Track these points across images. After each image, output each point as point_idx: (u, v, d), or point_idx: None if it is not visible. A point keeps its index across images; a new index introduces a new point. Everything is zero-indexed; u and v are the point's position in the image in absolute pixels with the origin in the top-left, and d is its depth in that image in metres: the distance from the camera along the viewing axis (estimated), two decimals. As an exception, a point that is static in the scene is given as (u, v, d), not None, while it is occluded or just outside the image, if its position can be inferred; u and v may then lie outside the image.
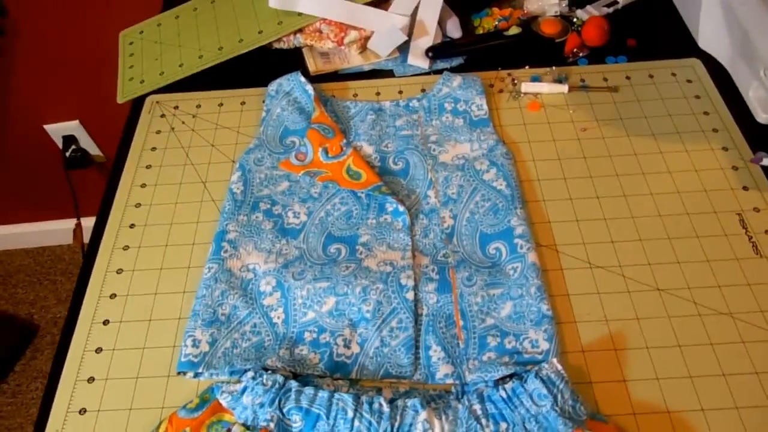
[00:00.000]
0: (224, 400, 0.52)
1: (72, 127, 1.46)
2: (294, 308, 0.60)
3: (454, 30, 0.87)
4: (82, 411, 0.57)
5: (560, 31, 0.84)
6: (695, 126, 0.74)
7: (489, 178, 0.68)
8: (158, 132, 0.80)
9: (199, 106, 0.83)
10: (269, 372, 0.53)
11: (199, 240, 0.68)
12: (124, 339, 0.61)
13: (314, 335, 0.59)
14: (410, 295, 0.60)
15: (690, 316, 0.59)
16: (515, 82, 0.81)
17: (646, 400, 0.54)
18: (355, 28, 0.84)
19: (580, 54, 0.83)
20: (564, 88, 0.79)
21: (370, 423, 0.50)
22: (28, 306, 1.72)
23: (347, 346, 0.58)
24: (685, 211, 0.67)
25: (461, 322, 0.58)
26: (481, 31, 0.88)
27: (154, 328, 0.62)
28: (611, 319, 0.59)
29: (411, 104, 0.78)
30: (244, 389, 0.52)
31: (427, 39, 0.84)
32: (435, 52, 0.84)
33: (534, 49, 0.84)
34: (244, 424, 0.51)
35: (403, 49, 0.85)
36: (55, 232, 1.77)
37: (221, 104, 0.82)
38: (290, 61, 0.86)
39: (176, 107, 0.83)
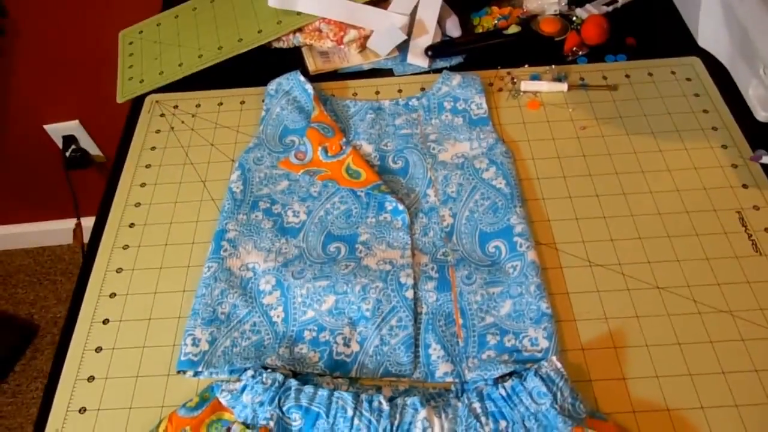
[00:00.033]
0: (224, 399, 0.52)
1: (72, 127, 1.46)
2: (294, 307, 0.60)
3: (454, 29, 0.87)
4: (82, 410, 0.57)
5: (560, 30, 0.84)
6: (695, 124, 0.74)
7: (488, 177, 0.68)
8: (158, 131, 0.80)
9: (198, 106, 0.83)
10: (269, 370, 0.53)
11: (198, 239, 0.68)
12: (123, 338, 0.61)
13: (314, 334, 0.59)
14: (410, 294, 0.60)
15: (689, 314, 0.59)
16: (515, 80, 0.81)
17: (645, 398, 0.54)
18: (354, 27, 0.84)
19: (580, 52, 0.83)
20: (563, 86, 0.79)
21: (369, 421, 0.50)
22: (28, 306, 1.72)
23: (347, 345, 0.58)
24: (684, 209, 0.67)
25: (461, 321, 0.58)
26: (480, 30, 0.88)
27: (153, 327, 0.62)
28: (611, 317, 0.59)
29: (410, 103, 0.78)
30: (244, 388, 0.52)
31: (426, 38, 0.84)
32: (434, 51, 0.84)
33: (533, 47, 0.84)
34: (243, 423, 0.51)
35: (403, 48, 0.85)
36: (55, 232, 1.77)
37: (221, 103, 0.83)
38: (290, 60, 0.86)
39: (176, 107, 0.83)
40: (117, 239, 0.69)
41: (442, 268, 0.62)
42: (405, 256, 0.63)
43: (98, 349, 0.60)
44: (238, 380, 0.53)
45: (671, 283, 0.61)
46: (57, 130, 1.46)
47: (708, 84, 0.78)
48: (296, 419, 0.51)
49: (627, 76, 0.80)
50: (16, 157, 1.53)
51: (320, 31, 0.86)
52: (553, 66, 0.82)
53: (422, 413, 0.50)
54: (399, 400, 0.51)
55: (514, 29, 0.84)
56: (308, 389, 0.51)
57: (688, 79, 0.79)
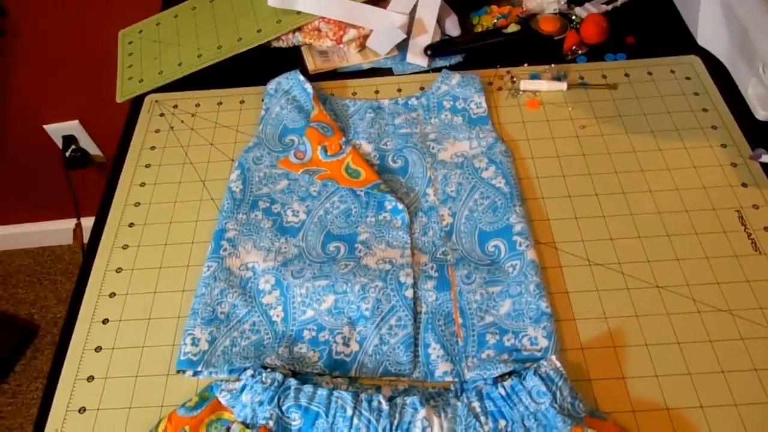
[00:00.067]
0: (223, 399, 0.52)
1: (72, 127, 1.46)
2: (293, 306, 0.60)
3: (453, 28, 0.87)
4: (82, 410, 0.57)
5: (559, 29, 0.84)
6: (694, 123, 0.74)
7: (488, 176, 0.68)
8: (157, 131, 0.80)
9: (198, 105, 0.83)
10: (268, 370, 0.53)
11: (198, 239, 0.68)
12: (123, 338, 0.61)
13: (313, 333, 0.59)
14: (409, 293, 0.60)
15: (689, 313, 0.59)
16: (514, 79, 0.81)
17: (645, 397, 0.54)
18: (353, 26, 0.84)
19: (579, 51, 0.83)
20: (563, 85, 0.79)
21: (369, 421, 0.50)
22: (28, 306, 1.73)
23: (346, 344, 0.58)
24: (684, 208, 0.67)
25: (460, 320, 0.58)
26: (479, 29, 0.88)
27: (153, 327, 0.62)
28: (610, 317, 0.59)
29: (410, 102, 0.78)
30: (243, 387, 0.52)
31: (425, 37, 0.84)
32: (434, 50, 0.84)
33: (533, 46, 0.84)
34: (243, 422, 0.51)
35: (402, 47, 0.85)
36: (55, 232, 1.77)
37: (220, 103, 0.82)
38: (289, 59, 0.86)
39: (175, 106, 0.83)
40: (117, 239, 0.69)
41: (442, 268, 0.62)
42: (404, 255, 0.63)
43: (98, 349, 0.61)
44: (238, 380, 0.53)
45: (671, 282, 0.61)
46: (57, 130, 1.46)
47: (707, 83, 0.78)
48: (296, 419, 0.51)
49: (626, 75, 0.80)
50: (16, 157, 1.53)
51: (319, 30, 0.86)
52: (553, 65, 0.82)
53: (422, 413, 0.50)
54: (398, 400, 0.51)
55: (513, 28, 0.84)
56: (307, 389, 0.51)
57: (688, 78, 0.79)
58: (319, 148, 0.71)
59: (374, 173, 0.68)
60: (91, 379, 0.59)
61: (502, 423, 0.49)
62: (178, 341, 0.60)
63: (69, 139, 1.48)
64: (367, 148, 0.73)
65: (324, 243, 0.65)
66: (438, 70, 0.82)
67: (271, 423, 0.50)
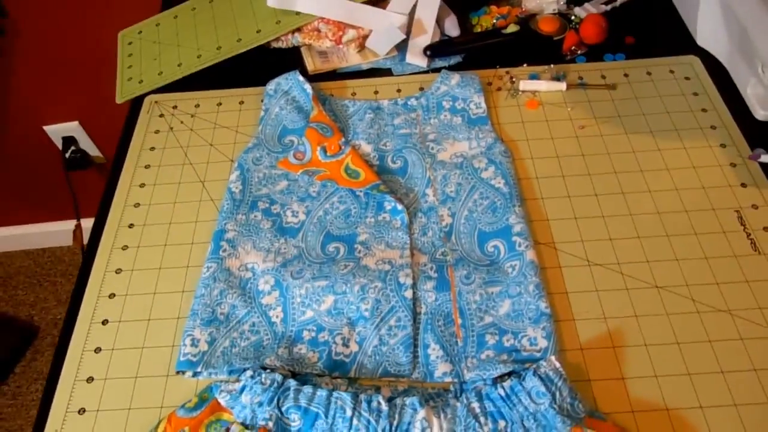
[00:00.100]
0: (223, 399, 0.52)
1: (71, 128, 1.46)
2: (292, 307, 0.60)
3: (452, 28, 0.87)
4: (81, 411, 0.57)
5: (558, 29, 0.84)
6: (693, 123, 0.74)
7: (487, 176, 0.68)
8: (157, 132, 0.80)
9: (197, 106, 0.83)
10: (268, 371, 0.53)
11: (197, 239, 0.68)
12: (123, 339, 0.61)
13: (313, 334, 0.59)
14: (409, 294, 0.60)
15: (688, 314, 0.59)
16: (513, 80, 0.81)
17: (644, 398, 0.54)
18: (353, 26, 0.84)
19: (578, 52, 0.83)
20: (562, 85, 0.79)
21: (368, 421, 0.50)
22: (28, 307, 1.72)
23: (346, 345, 0.58)
24: (683, 208, 0.67)
25: (460, 321, 0.58)
26: (479, 30, 0.88)
27: (152, 328, 0.62)
28: (610, 317, 0.59)
29: (409, 103, 0.78)
30: (243, 388, 0.52)
31: (425, 37, 0.84)
32: (433, 51, 0.84)
33: (532, 47, 0.84)
34: (242, 423, 0.51)
35: (402, 47, 0.85)
36: (55, 233, 1.77)
37: (220, 104, 0.83)
38: (288, 60, 0.86)
39: (175, 107, 0.83)
40: (116, 240, 0.69)
41: (441, 268, 0.62)
42: (404, 255, 0.63)
43: (97, 350, 0.61)
44: (237, 380, 0.53)
45: (670, 283, 0.61)
46: (57, 131, 1.46)
47: (707, 83, 0.78)
48: (295, 420, 0.51)
49: (626, 75, 0.80)
50: (16, 158, 1.53)
51: (319, 30, 0.86)
52: (552, 65, 0.82)
53: (421, 413, 0.50)
54: (398, 401, 0.51)
55: (512, 28, 0.84)
56: (307, 389, 0.51)
57: (687, 78, 0.79)
58: (318, 148, 0.71)
59: (374, 174, 0.68)
60: (90, 380, 0.59)
61: (502, 423, 0.49)
62: (177, 342, 0.60)
63: (69, 141, 1.48)
64: (366, 148, 0.73)
65: (323, 243, 0.65)
66: (437, 70, 0.82)
67: (270, 424, 0.50)
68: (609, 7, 0.88)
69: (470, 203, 0.67)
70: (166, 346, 0.60)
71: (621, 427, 0.52)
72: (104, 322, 0.62)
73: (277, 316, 0.60)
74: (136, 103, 0.84)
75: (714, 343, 0.57)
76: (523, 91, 0.79)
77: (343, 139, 0.72)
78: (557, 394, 0.50)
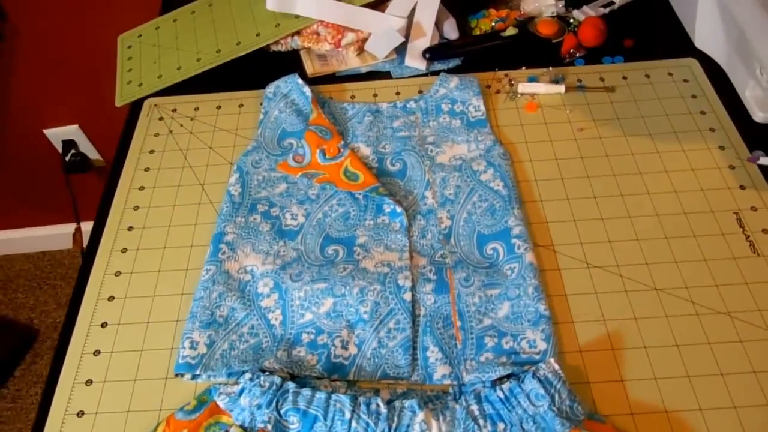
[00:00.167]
0: (222, 402, 0.52)
1: (71, 131, 1.46)
2: (292, 310, 0.60)
3: (451, 31, 0.87)
4: (80, 414, 0.57)
5: (557, 32, 0.84)
6: (692, 125, 0.74)
7: (486, 179, 0.68)
8: (156, 135, 0.80)
9: (197, 109, 0.83)
10: (267, 373, 0.53)
11: (197, 242, 0.68)
12: (122, 341, 0.61)
13: (312, 336, 0.59)
14: (408, 296, 0.60)
15: (687, 316, 0.59)
16: (512, 82, 0.81)
17: (643, 400, 0.54)
18: (352, 30, 0.84)
19: (577, 54, 0.83)
20: (561, 88, 0.79)
21: (367, 424, 0.50)
22: (27, 311, 1.72)
23: (345, 348, 0.58)
24: (682, 210, 0.67)
25: (459, 323, 0.58)
26: (478, 32, 0.88)
27: (151, 331, 0.62)
28: (609, 319, 0.59)
29: (408, 105, 0.78)
30: (242, 391, 0.52)
31: (424, 40, 0.84)
32: (432, 54, 0.84)
33: (531, 49, 0.84)
34: (241, 426, 0.51)
35: (401, 50, 0.85)
36: (54, 236, 1.77)
37: (219, 107, 0.83)
38: (288, 63, 0.87)
39: (174, 110, 0.83)
40: (115, 242, 0.69)
41: (440, 271, 0.62)
42: (403, 258, 0.63)
43: (96, 353, 0.60)
44: (236, 383, 0.53)
45: (669, 285, 0.61)
46: (57, 134, 1.46)
47: (705, 85, 0.78)
48: (294, 422, 0.51)
49: (624, 77, 0.80)
50: (16, 161, 1.53)
51: (318, 34, 0.86)
52: (551, 68, 0.82)
53: (420, 416, 0.50)
54: (397, 403, 0.51)
55: (511, 31, 0.84)
56: (306, 392, 0.51)
57: (686, 81, 0.79)
58: (317, 151, 0.71)
59: (373, 176, 0.68)
60: (89, 382, 0.58)
61: (501, 426, 0.49)
62: (176, 344, 0.60)
63: (69, 144, 1.48)
64: (365, 151, 0.73)
65: (322, 246, 0.65)
66: (436, 73, 0.82)
67: (269, 426, 0.50)
68: (607, 10, 0.88)
69: (469, 206, 0.67)
70: (164, 349, 0.60)
71: (620, 430, 0.52)
72: (103, 325, 0.62)
73: (276, 319, 0.60)
74: (136, 107, 0.84)
75: (713, 346, 0.57)
76: (522, 94, 0.80)
77: (342, 142, 0.72)
78: (556, 396, 0.50)
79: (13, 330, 1.67)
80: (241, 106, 0.82)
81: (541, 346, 0.56)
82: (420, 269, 0.62)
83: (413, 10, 0.84)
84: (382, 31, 0.83)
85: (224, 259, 0.64)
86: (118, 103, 0.86)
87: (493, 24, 0.88)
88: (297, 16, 0.85)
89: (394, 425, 0.49)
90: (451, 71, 0.83)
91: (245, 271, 0.63)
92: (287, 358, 0.57)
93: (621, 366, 0.56)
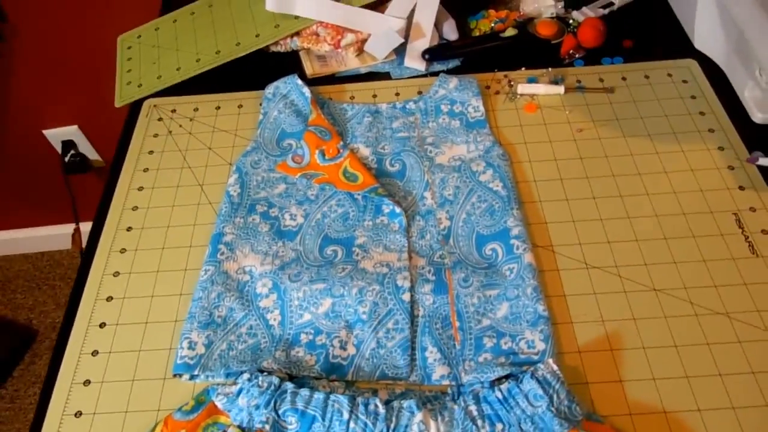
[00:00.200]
0: (220, 402, 0.52)
1: (71, 132, 1.46)
2: (290, 310, 0.60)
3: (451, 32, 0.87)
4: (78, 414, 0.56)
5: (556, 33, 0.84)
6: (691, 126, 0.74)
7: (485, 180, 0.68)
8: (155, 135, 0.80)
9: (196, 110, 0.83)
10: (265, 374, 0.53)
11: (195, 242, 0.68)
12: (120, 341, 0.61)
13: (310, 337, 0.59)
14: (406, 297, 0.60)
15: (686, 316, 0.59)
16: (511, 83, 0.81)
17: (642, 401, 0.54)
18: (351, 30, 0.85)
19: (576, 55, 0.83)
20: (560, 89, 0.79)
21: (365, 424, 0.50)
22: (26, 311, 1.72)
23: (343, 348, 0.57)
24: (681, 211, 0.67)
25: (457, 323, 0.58)
26: (477, 33, 0.88)
27: (150, 331, 0.62)
28: (607, 320, 0.59)
29: (408, 106, 0.78)
30: (240, 391, 0.52)
31: (423, 41, 0.84)
32: (431, 54, 0.84)
33: (530, 50, 0.84)
34: (239, 426, 0.51)
35: (400, 51, 0.85)
36: (54, 237, 1.77)
37: (218, 107, 0.83)
38: (287, 64, 0.87)
39: (174, 111, 0.83)
40: (114, 243, 0.69)
41: (439, 271, 0.62)
42: (402, 258, 0.63)
43: (95, 353, 0.60)
44: (234, 383, 0.53)
45: (668, 286, 0.61)
46: (56, 135, 1.46)
47: (704, 86, 0.78)
48: (292, 422, 0.51)
49: (623, 78, 0.80)
50: (16, 162, 1.53)
51: (318, 34, 0.86)
52: (550, 69, 0.82)
53: (418, 416, 0.49)
54: (395, 403, 0.51)
55: (510, 32, 0.84)
56: (304, 392, 0.51)
57: (685, 82, 0.79)
58: (316, 152, 0.71)
59: (372, 177, 0.68)
60: (87, 383, 0.58)
61: (499, 426, 0.49)
62: (174, 345, 0.60)
63: (68, 144, 1.48)
64: (364, 151, 0.73)
65: (321, 246, 0.65)
66: (436, 74, 0.82)
67: (267, 427, 0.50)
68: (607, 11, 0.88)
69: (468, 206, 0.67)
70: (163, 349, 0.60)
71: (619, 430, 0.52)
72: (102, 325, 0.62)
73: (274, 319, 0.60)
74: (135, 107, 0.84)
75: (712, 346, 0.57)
76: (522, 95, 0.80)
77: (341, 143, 0.72)
78: (555, 396, 0.50)
79: (12, 330, 1.67)
80: (240, 106, 0.82)
81: (540, 346, 0.56)
82: (419, 270, 0.62)
83: (413, 10, 0.85)
84: (381, 32, 0.83)
85: (223, 259, 0.64)
86: (118, 104, 0.86)
87: (493, 25, 0.88)
88: (296, 17, 0.85)
89: (392, 426, 0.49)
90: (450, 72, 0.83)
91: (244, 272, 0.63)
92: (285, 358, 0.57)
93: (619, 366, 0.56)
